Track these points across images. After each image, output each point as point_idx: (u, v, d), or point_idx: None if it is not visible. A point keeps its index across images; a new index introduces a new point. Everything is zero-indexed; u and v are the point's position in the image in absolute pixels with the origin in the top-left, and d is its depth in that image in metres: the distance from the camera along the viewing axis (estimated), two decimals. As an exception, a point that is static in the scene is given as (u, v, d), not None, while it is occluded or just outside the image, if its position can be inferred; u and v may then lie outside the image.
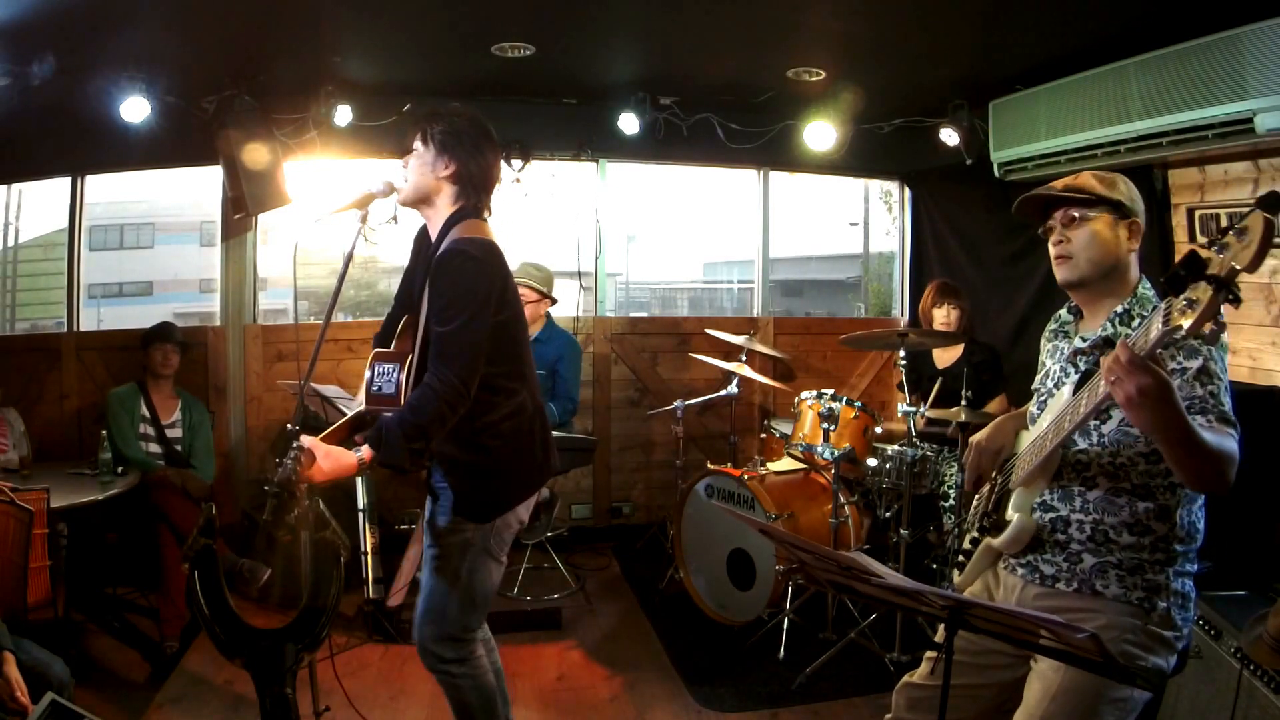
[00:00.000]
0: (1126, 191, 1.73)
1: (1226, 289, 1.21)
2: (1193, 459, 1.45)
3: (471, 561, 2.19)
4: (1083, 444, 1.68)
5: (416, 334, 2.15)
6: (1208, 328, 1.23)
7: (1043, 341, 1.93)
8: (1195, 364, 1.56)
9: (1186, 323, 1.23)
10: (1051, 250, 1.77)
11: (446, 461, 2.17)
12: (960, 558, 1.93)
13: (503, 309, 2.11)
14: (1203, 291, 1.22)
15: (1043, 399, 1.84)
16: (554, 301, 4.20)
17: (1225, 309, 1.22)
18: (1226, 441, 1.49)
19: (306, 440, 1.94)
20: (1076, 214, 1.72)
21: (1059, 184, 1.77)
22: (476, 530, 2.18)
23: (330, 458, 1.95)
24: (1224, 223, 3.29)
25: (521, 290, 3.41)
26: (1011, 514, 1.75)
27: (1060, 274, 1.76)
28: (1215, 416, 1.53)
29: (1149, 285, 1.73)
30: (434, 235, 2.19)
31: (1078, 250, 1.71)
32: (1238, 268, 1.19)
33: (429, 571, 2.23)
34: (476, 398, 2.04)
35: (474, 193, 2.17)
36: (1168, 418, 1.37)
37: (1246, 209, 1.30)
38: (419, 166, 2.15)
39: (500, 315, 2.10)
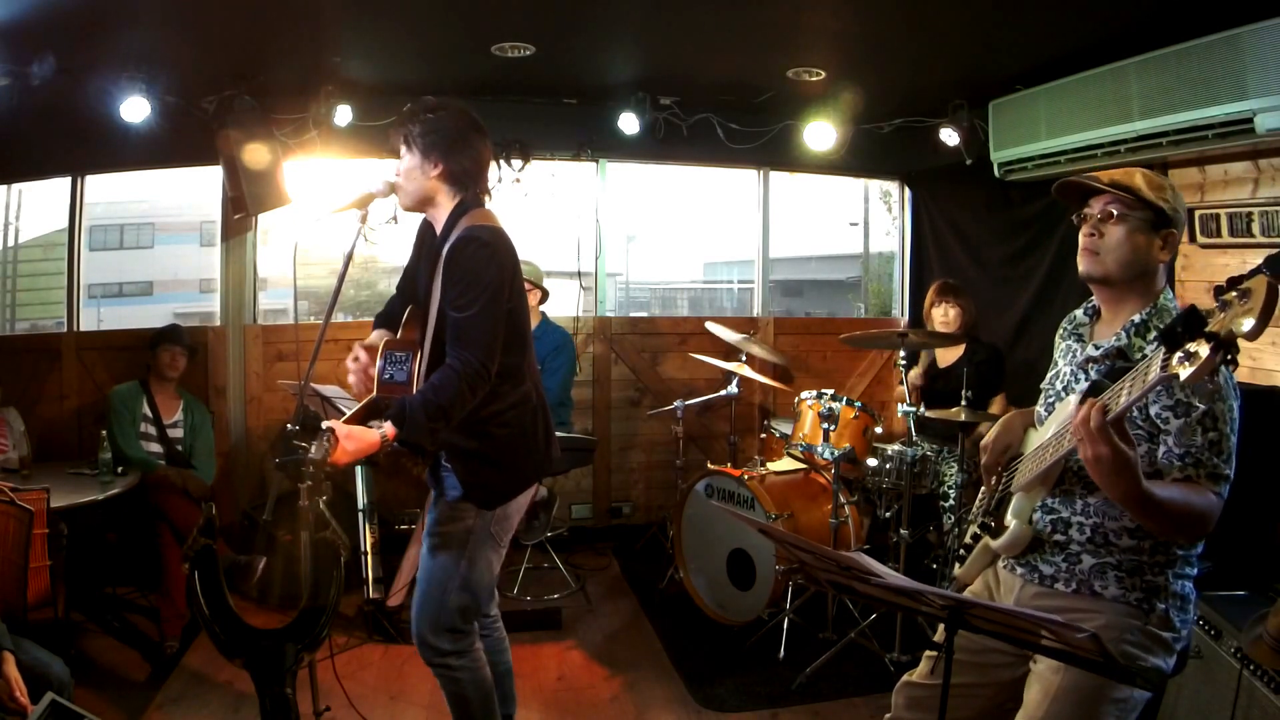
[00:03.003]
0: (1172, 201, 1.67)
1: (1225, 350, 1.17)
2: (1150, 519, 1.48)
3: (472, 550, 2.20)
4: None
5: (425, 325, 2.15)
6: (1201, 379, 1.21)
7: (1056, 339, 1.90)
8: (1204, 403, 1.51)
9: (1183, 373, 1.21)
10: (1081, 240, 1.71)
11: (453, 449, 2.17)
12: (962, 552, 1.93)
13: (511, 296, 2.12)
14: (1201, 346, 1.19)
15: (1050, 400, 1.82)
16: (545, 293, 4.21)
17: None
18: (1202, 501, 1.48)
19: (329, 423, 1.95)
20: (1115, 211, 1.66)
21: (1106, 176, 1.69)
22: (479, 518, 2.19)
23: (352, 438, 1.95)
24: (1224, 223, 3.29)
25: None
26: (1010, 519, 1.74)
27: (1083, 266, 1.71)
28: (1206, 473, 1.50)
29: (1171, 296, 1.69)
30: (440, 229, 2.19)
31: (1107, 249, 1.66)
32: (1236, 333, 1.16)
33: (427, 560, 2.23)
34: None
35: (470, 183, 2.18)
36: (1124, 487, 1.40)
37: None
38: (409, 171, 2.16)
39: (509, 303, 2.11)
